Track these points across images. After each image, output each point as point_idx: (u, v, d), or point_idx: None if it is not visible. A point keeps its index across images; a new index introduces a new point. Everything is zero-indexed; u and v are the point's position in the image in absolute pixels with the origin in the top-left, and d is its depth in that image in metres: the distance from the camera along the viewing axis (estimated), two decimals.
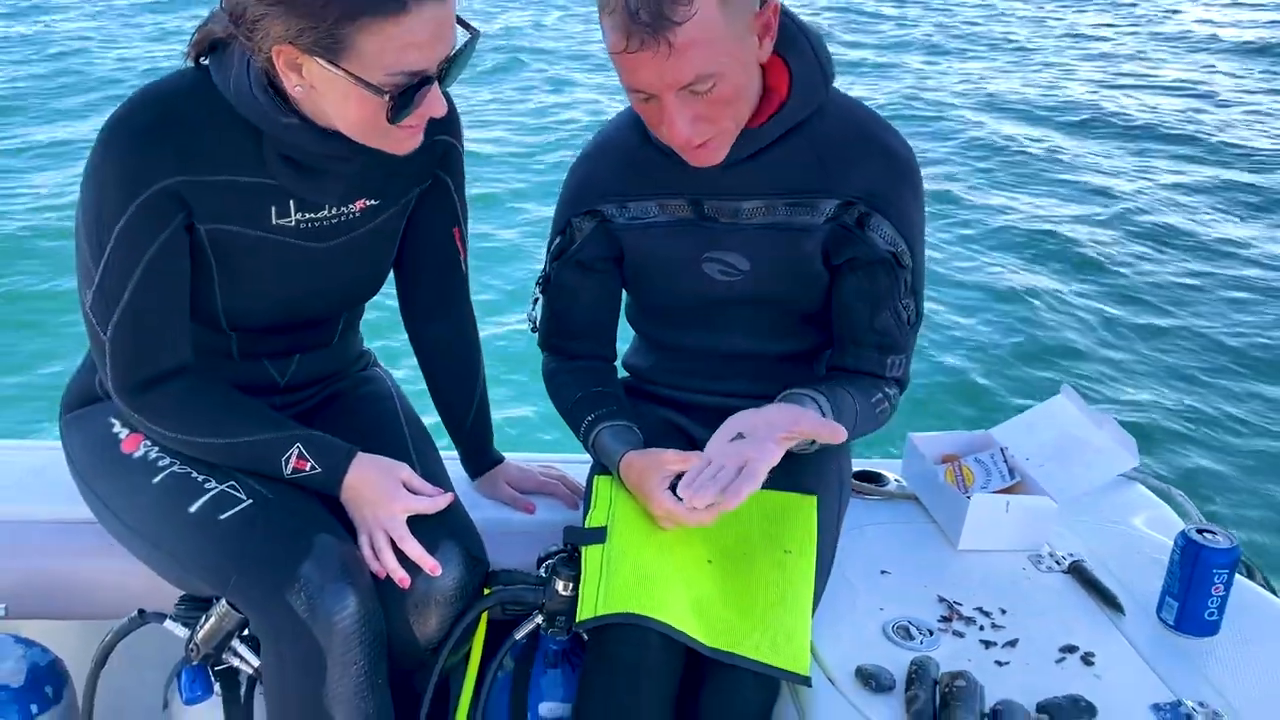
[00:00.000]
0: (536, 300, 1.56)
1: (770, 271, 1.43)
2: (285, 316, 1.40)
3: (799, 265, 1.42)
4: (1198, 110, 7.94)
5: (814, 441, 1.35)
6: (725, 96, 1.25)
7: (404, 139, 1.22)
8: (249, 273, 1.32)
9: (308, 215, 1.32)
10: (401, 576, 1.30)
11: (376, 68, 1.13)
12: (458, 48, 1.18)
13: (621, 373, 1.64)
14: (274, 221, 1.30)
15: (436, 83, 1.18)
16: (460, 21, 1.18)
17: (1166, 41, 10.32)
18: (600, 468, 1.51)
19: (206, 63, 1.25)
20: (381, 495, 1.32)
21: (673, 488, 1.34)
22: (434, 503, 1.35)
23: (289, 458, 1.32)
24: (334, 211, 1.33)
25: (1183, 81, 8.75)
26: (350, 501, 1.34)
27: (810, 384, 1.42)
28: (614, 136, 1.46)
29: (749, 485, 1.22)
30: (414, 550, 1.30)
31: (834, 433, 1.29)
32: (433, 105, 1.19)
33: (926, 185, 1.45)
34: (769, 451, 1.25)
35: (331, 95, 1.16)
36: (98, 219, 1.22)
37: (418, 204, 1.45)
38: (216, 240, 1.28)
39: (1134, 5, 12.00)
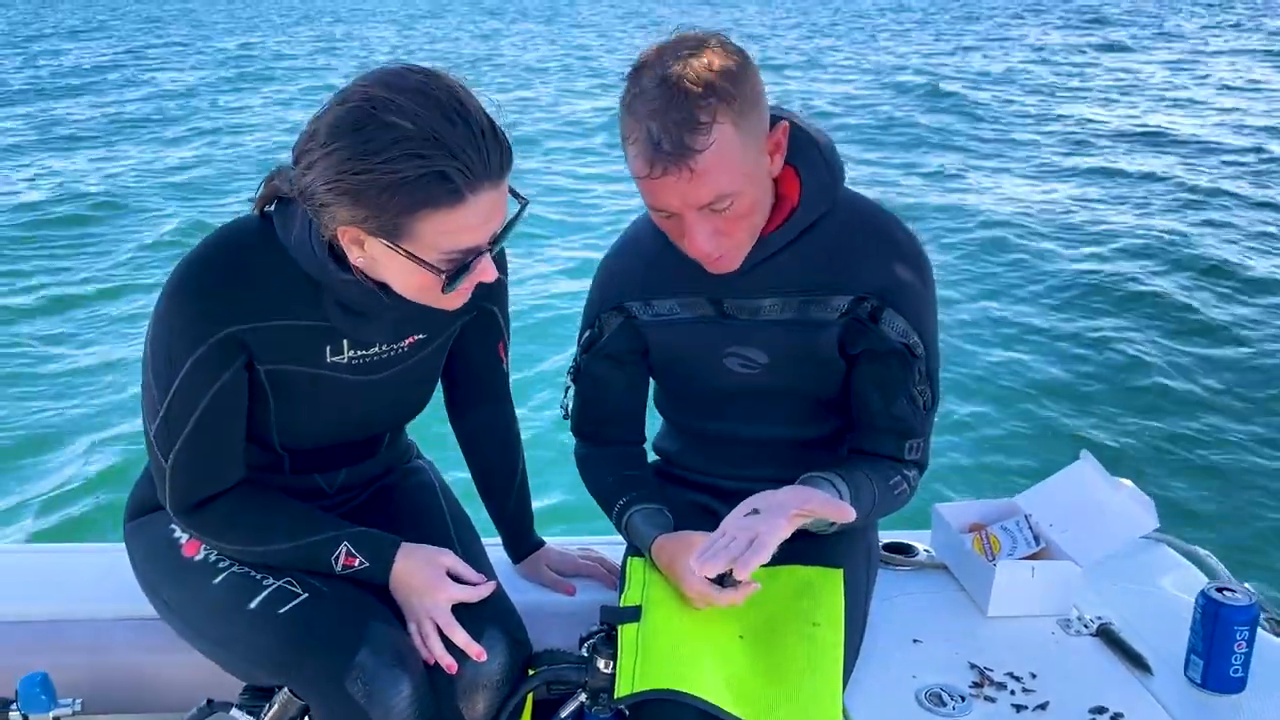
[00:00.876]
0: (569, 389, 1.64)
1: (788, 365, 1.50)
2: (335, 439, 1.50)
3: (816, 358, 1.49)
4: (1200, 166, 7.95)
5: (832, 523, 1.41)
6: (742, 212, 1.34)
7: (455, 300, 1.31)
8: (304, 404, 1.42)
9: (359, 352, 1.41)
10: (449, 663, 1.37)
11: (433, 249, 1.21)
12: (509, 219, 1.27)
13: (652, 456, 1.72)
14: (328, 359, 1.39)
15: (488, 253, 1.26)
16: (511, 192, 1.25)
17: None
18: (634, 549, 1.58)
19: (270, 210, 1.35)
20: (427, 585, 1.40)
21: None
22: (477, 591, 1.42)
23: (338, 556, 1.41)
24: (384, 348, 1.43)
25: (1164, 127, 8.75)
26: (398, 591, 1.42)
27: (831, 468, 1.48)
28: (638, 238, 1.56)
29: (757, 558, 1.27)
30: (460, 638, 1.37)
31: (842, 512, 1.35)
32: (484, 274, 1.27)
33: (939, 270, 1.52)
34: (778, 527, 1.31)
35: (391, 267, 1.25)
36: (167, 359, 1.32)
37: (464, 328, 1.56)
38: (274, 378, 1.38)
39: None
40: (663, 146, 1.26)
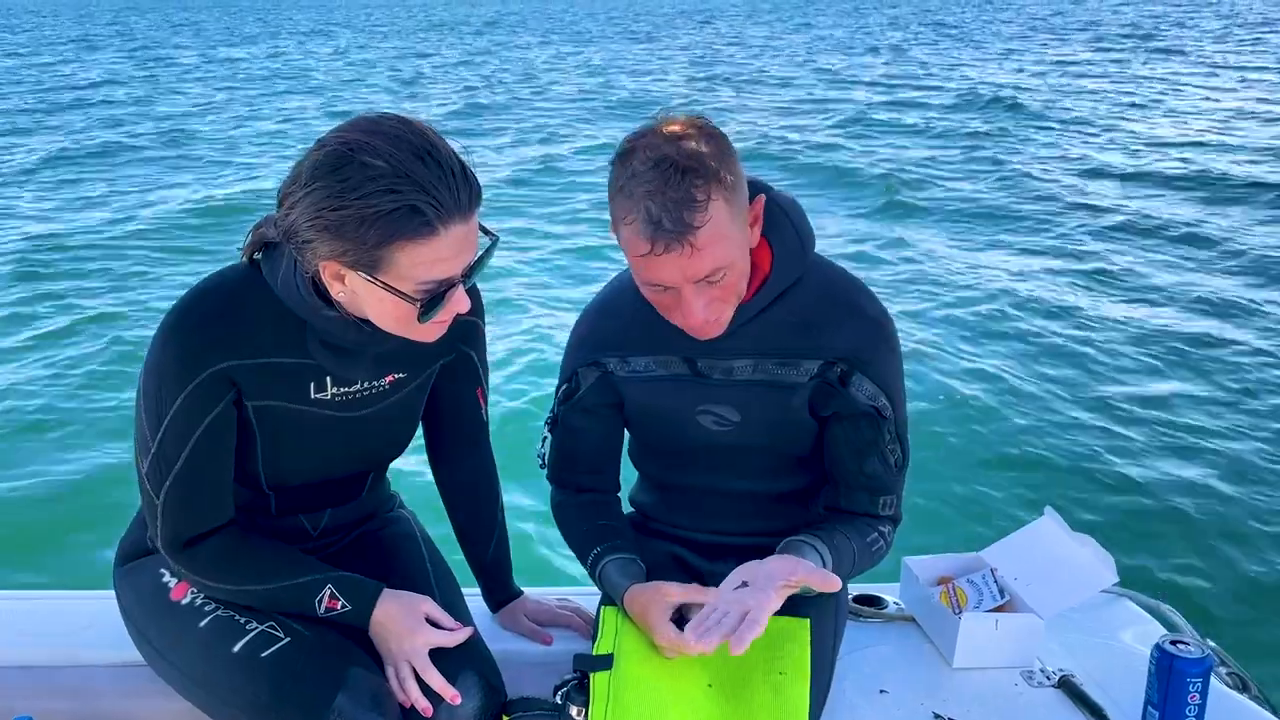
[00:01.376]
0: (545, 439, 1.70)
1: (760, 423, 1.56)
2: (320, 476, 1.56)
3: (786, 417, 1.55)
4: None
5: (815, 591, 1.46)
6: (732, 282, 1.41)
7: (432, 331, 1.38)
8: (289, 440, 1.48)
9: (342, 389, 1.48)
10: (424, 706, 1.41)
11: (408, 280, 1.29)
12: (480, 254, 1.35)
13: (627, 508, 1.77)
14: (312, 396, 1.46)
15: (461, 285, 1.34)
16: (481, 228, 1.34)
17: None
18: (608, 598, 1.62)
19: (259, 257, 1.43)
20: (406, 630, 1.45)
21: (676, 619, 1.45)
22: (453, 636, 1.47)
23: (321, 598, 1.46)
24: (365, 385, 1.50)
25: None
26: (377, 635, 1.47)
27: (810, 529, 1.54)
28: (615, 296, 1.63)
29: (751, 633, 1.33)
30: (435, 681, 1.42)
31: (828, 582, 1.41)
32: (458, 304, 1.35)
33: (906, 326, 1.59)
34: (769, 599, 1.36)
35: (370, 299, 1.33)
36: (158, 397, 1.39)
37: (443, 371, 1.62)
38: (261, 414, 1.45)
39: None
40: (664, 225, 1.33)
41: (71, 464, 4.65)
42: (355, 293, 1.33)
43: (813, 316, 1.51)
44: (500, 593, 1.77)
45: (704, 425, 1.58)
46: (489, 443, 1.75)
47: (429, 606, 1.49)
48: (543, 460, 1.71)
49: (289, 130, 13.88)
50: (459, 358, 1.63)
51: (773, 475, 1.63)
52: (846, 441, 1.55)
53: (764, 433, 1.57)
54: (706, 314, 1.42)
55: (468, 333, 1.61)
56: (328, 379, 1.46)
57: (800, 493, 1.65)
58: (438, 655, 1.45)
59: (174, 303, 1.42)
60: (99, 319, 6.51)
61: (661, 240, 1.34)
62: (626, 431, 1.71)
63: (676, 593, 1.47)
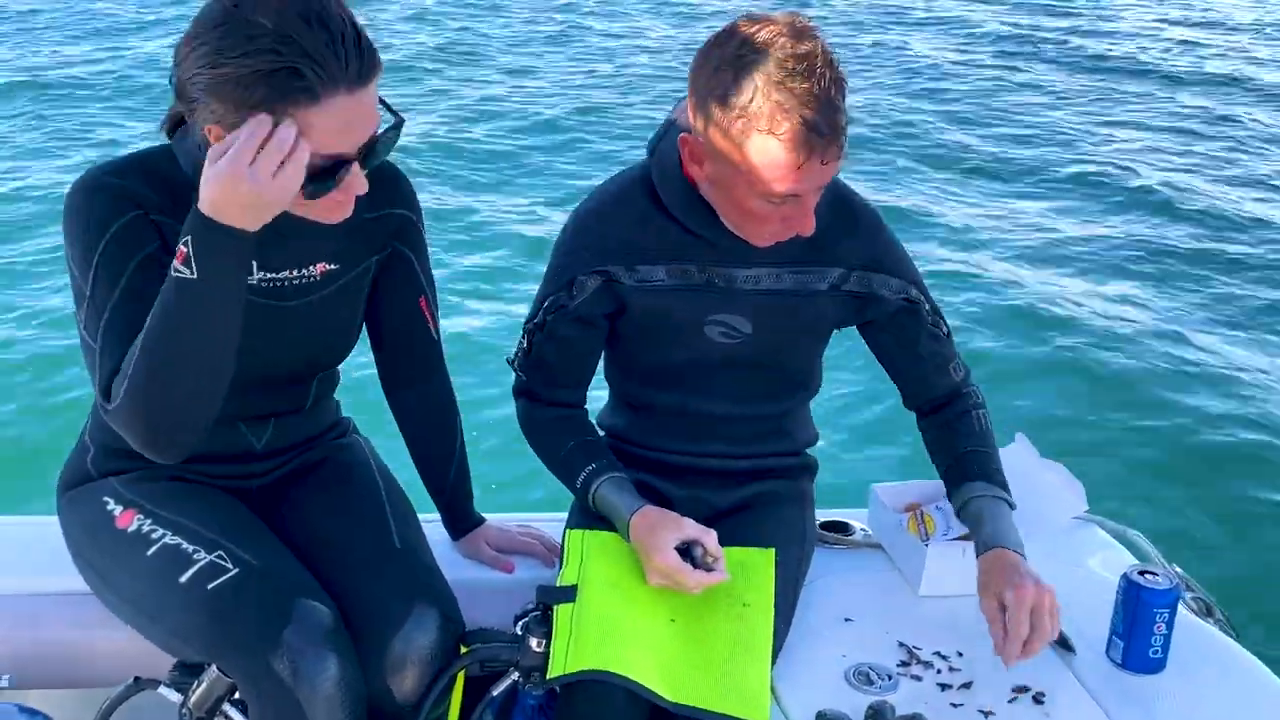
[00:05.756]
0: (523, 348, 1.61)
1: (771, 334, 1.53)
2: (253, 375, 1.44)
3: (799, 330, 1.55)
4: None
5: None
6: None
7: (331, 210, 1.31)
8: None
9: (269, 275, 1.41)
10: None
11: None
12: (381, 131, 1.28)
13: None
14: None
15: (357, 164, 1.27)
16: (384, 105, 1.27)
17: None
18: (576, 522, 1.58)
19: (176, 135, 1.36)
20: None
21: (681, 552, 1.42)
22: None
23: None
24: (295, 273, 1.42)
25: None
26: None
27: (958, 470, 1.58)
28: (623, 199, 1.53)
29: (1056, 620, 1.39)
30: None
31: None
32: (352, 185, 1.28)
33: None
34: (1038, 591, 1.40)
35: None
36: (83, 243, 1.31)
37: (381, 275, 1.54)
38: None
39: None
40: (821, 131, 1.29)
41: (8, 386, 4.54)
42: None
43: (824, 224, 1.48)
44: (462, 521, 1.72)
45: (710, 337, 1.53)
46: (444, 367, 1.67)
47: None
48: (514, 366, 1.63)
49: None
50: (395, 257, 1.54)
51: (758, 398, 1.60)
52: (897, 342, 1.59)
53: (771, 346, 1.55)
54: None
55: (402, 229, 1.53)
56: (253, 262, 1.37)
57: (777, 416, 1.64)
58: (393, 587, 1.40)
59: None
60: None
61: (819, 148, 1.29)
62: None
63: (692, 527, 1.44)
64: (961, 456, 1.59)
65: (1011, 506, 1.53)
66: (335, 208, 1.31)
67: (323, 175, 1.24)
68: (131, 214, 1.32)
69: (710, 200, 1.45)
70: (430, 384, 1.66)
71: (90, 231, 1.31)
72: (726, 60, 1.32)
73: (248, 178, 1.17)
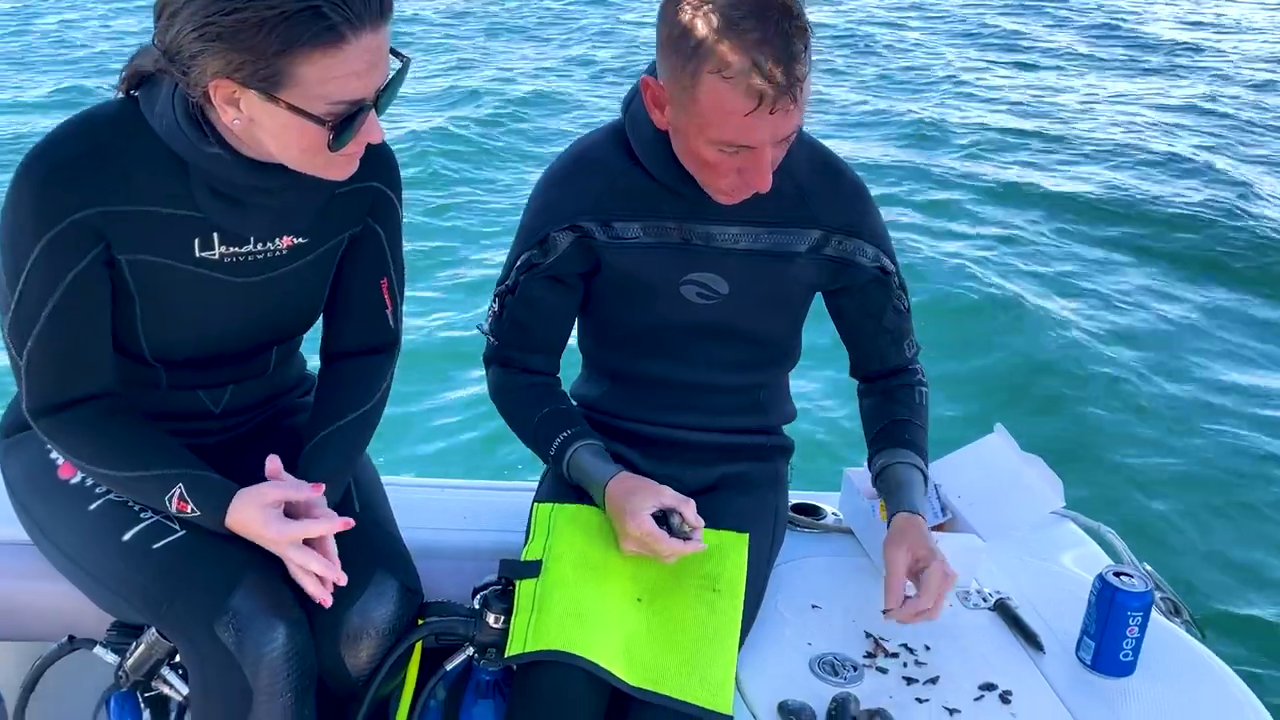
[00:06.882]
0: (495, 310, 1.55)
1: (748, 296, 1.49)
2: (211, 349, 1.39)
3: (777, 291, 1.51)
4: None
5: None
6: (791, 140, 1.33)
7: (343, 165, 1.24)
8: (172, 305, 1.32)
9: (232, 249, 1.32)
10: (322, 597, 1.26)
11: (316, 98, 1.15)
12: (392, 75, 1.21)
13: None
14: (198, 254, 1.30)
15: (374, 109, 1.20)
16: (392, 50, 1.20)
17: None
18: (546, 494, 1.53)
19: (137, 95, 1.26)
20: (266, 531, 1.27)
21: (658, 520, 1.38)
22: (320, 526, 1.27)
23: (172, 497, 1.29)
24: (260, 247, 1.34)
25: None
26: (245, 537, 1.30)
27: (885, 436, 1.58)
28: (598, 154, 1.48)
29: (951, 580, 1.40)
30: (316, 567, 1.25)
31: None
32: (371, 131, 1.21)
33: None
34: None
35: (271, 127, 1.18)
36: (14, 247, 1.23)
37: (349, 249, 1.45)
38: (138, 271, 1.28)
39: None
40: (775, 79, 1.23)
41: None
42: (253, 120, 1.17)
43: (806, 185, 1.46)
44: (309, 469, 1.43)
45: (686, 297, 1.48)
46: (393, 357, 1.52)
47: (277, 493, 1.28)
48: (486, 332, 1.57)
49: None
50: (366, 233, 1.44)
51: (736, 366, 1.56)
52: (862, 310, 1.58)
53: (748, 308, 1.51)
54: (769, 177, 1.33)
55: (378, 204, 1.43)
56: (215, 235, 1.29)
57: (755, 390, 1.60)
58: (354, 554, 1.32)
59: (37, 141, 1.24)
60: None
61: (771, 96, 1.23)
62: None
63: (670, 495, 1.39)
64: (896, 423, 1.59)
65: (928, 486, 1.57)
66: (347, 163, 1.24)
67: (346, 123, 1.18)
68: (67, 221, 1.21)
69: (676, 150, 1.39)
70: (371, 364, 1.49)
71: (21, 239, 1.22)
72: (688, 0, 1.27)
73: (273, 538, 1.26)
